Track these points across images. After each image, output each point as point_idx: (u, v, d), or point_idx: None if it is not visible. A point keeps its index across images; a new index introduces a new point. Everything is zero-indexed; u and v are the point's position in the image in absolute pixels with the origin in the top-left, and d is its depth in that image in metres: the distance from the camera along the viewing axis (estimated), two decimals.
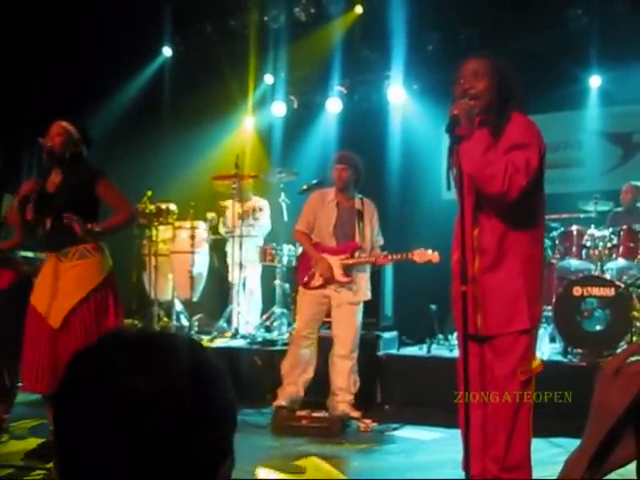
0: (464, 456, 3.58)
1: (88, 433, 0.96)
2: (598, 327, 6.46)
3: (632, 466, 1.14)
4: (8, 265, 5.60)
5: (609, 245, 6.80)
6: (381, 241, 6.33)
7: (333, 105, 10.06)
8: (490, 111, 3.61)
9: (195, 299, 8.59)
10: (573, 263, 7.09)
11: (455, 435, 3.91)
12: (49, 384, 4.50)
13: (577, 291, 6.52)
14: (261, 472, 4.46)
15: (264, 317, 8.08)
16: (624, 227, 6.88)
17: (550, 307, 6.70)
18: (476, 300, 3.67)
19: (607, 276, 6.66)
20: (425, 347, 7.09)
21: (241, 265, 7.88)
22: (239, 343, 7.58)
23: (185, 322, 8.45)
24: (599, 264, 6.78)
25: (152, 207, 8.39)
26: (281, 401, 6.05)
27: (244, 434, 5.69)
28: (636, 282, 6.75)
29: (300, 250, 6.96)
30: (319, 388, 6.17)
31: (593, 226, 6.99)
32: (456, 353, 4.44)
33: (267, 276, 8.26)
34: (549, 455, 4.80)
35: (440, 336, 7.34)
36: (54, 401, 1.03)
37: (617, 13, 8.50)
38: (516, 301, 3.67)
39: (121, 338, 1.04)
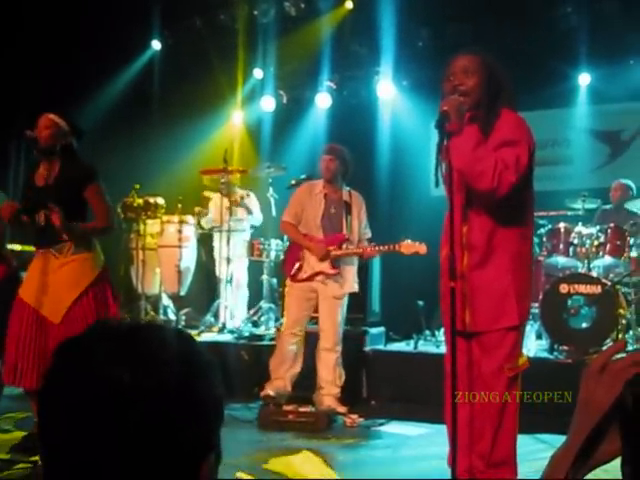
0: (450, 452, 3.60)
1: (72, 425, 0.95)
2: (584, 324, 6.49)
3: (617, 462, 1.14)
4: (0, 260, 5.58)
5: (596, 243, 6.82)
6: (369, 234, 6.33)
7: (322, 100, 10.06)
8: (480, 107, 3.61)
9: (182, 293, 8.58)
10: (560, 260, 7.11)
11: (441, 431, 3.93)
12: (36, 379, 4.48)
13: (564, 288, 6.54)
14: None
15: (251, 312, 8.07)
16: (611, 225, 6.90)
17: (537, 304, 6.72)
18: (465, 296, 3.68)
19: (594, 274, 6.69)
20: (412, 343, 7.10)
21: (228, 260, 7.87)
22: (226, 338, 7.57)
23: (172, 316, 8.44)
24: (586, 262, 6.80)
25: (140, 201, 8.38)
26: (269, 391, 6.05)
27: (231, 428, 5.69)
28: (622, 280, 6.78)
29: (288, 244, 6.95)
30: (306, 383, 6.17)
31: (580, 224, 7.01)
32: (443, 349, 4.45)
33: (255, 271, 8.26)
34: (534, 451, 4.82)
35: (427, 332, 7.36)
36: (39, 393, 1.03)
37: (606, 11, 8.52)
38: (505, 298, 3.68)
39: (107, 330, 1.04)
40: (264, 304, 7.87)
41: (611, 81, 8.74)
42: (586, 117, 9.19)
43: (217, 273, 8.24)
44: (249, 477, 4.33)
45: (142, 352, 0.99)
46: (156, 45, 10.52)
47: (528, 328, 6.64)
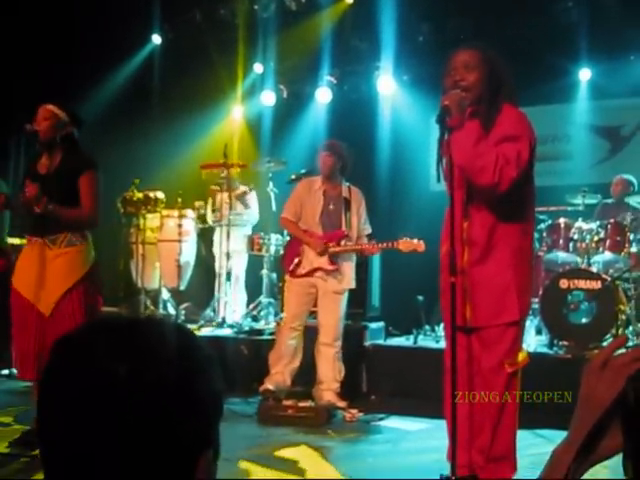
0: (450, 447, 3.60)
1: (70, 418, 0.96)
2: (584, 320, 6.49)
3: (618, 458, 1.14)
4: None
5: (596, 238, 6.82)
6: (368, 230, 6.32)
7: (323, 95, 10.04)
8: (481, 102, 3.61)
9: (182, 288, 8.58)
10: (560, 256, 7.11)
11: (441, 426, 3.93)
12: (38, 371, 4.48)
13: (564, 284, 6.54)
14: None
15: (251, 306, 8.07)
16: (611, 220, 6.90)
17: (537, 299, 6.72)
18: (465, 292, 3.68)
19: (594, 269, 6.69)
20: (412, 338, 7.10)
21: (228, 254, 7.86)
22: (226, 332, 7.57)
23: (172, 311, 8.44)
24: (586, 257, 6.81)
25: (140, 195, 8.38)
26: (268, 385, 6.05)
27: (230, 423, 5.69)
28: (622, 275, 6.78)
29: (287, 239, 6.95)
30: (305, 378, 6.18)
31: (581, 219, 7.01)
32: (442, 344, 4.45)
33: (254, 266, 8.26)
34: (534, 446, 4.83)
35: (427, 327, 7.37)
36: (38, 386, 1.03)
37: (607, 6, 8.51)
38: (505, 293, 3.68)
39: (107, 324, 1.04)
40: (264, 299, 7.87)
41: (611, 76, 8.74)
42: (586, 112, 9.19)
43: (217, 268, 8.23)
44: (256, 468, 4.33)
45: (141, 346, 0.99)
46: (156, 39, 10.50)
47: (528, 323, 6.64)
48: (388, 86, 9.75)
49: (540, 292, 6.73)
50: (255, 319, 7.89)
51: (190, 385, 1.00)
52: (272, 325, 7.38)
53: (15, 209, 4.85)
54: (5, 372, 7.02)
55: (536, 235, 7.16)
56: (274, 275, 7.98)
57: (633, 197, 7.60)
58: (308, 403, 5.86)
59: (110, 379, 0.95)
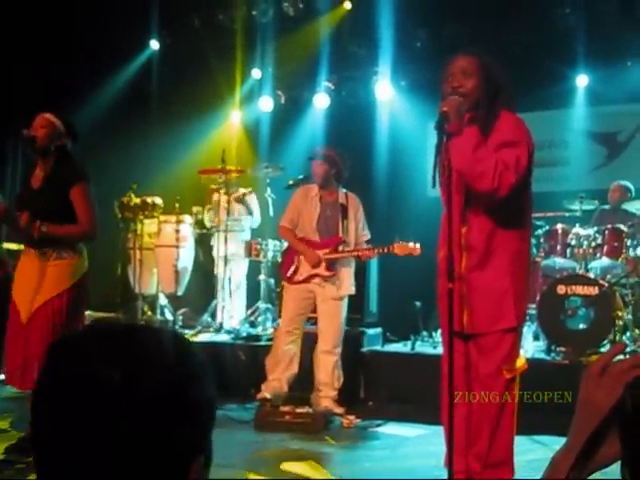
0: (447, 453, 3.59)
1: (63, 424, 0.96)
2: (582, 325, 6.49)
3: (616, 465, 1.14)
4: None
5: (593, 244, 6.83)
6: (367, 236, 6.31)
7: (320, 100, 10.05)
8: (479, 108, 3.61)
9: (180, 293, 8.57)
10: (558, 261, 7.11)
11: (438, 432, 3.93)
12: (22, 379, 4.48)
13: (561, 289, 6.54)
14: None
15: (249, 312, 8.06)
16: (609, 226, 6.91)
17: (534, 305, 6.73)
18: (463, 298, 3.67)
19: (591, 275, 6.69)
20: (409, 344, 7.09)
21: (226, 259, 7.86)
22: (223, 338, 7.56)
23: (169, 316, 8.43)
24: (583, 263, 6.81)
25: (137, 200, 8.37)
26: (265, 394, 6.04)
27: (227, 429, 5.68)
28: (620, 281, 6.79)
29: (285, 245, 6.95)
30: (303, 384, 6.17)
31: (578, 225, 7.02)
32: (440, 350, 4.45)
33: (252, 271, 8.25)
34: (531, 452, 4.82)
35: (424, 333, 7.36)
36: (33, 393, 1.03)
37: (605, 13, 8.53)
38: (503, 299, 3.68)
39: (102, 329, 1.04)
40: (261, 304, 7.86)
41: (609, 82, 8.75)
42: (583, 119, 9.20)
43: (215, 273, 8.23)
44: (260, 477, 4.31)
45: (136, 353, 0.99)
46: (154, 45, 10.50)
47: (525, 329, 6.64)
48: (386, 92, 9.76)
49: (538, 298, 6.73)
50: (253, 325, 7.88)
51: (184, 391, 1.00)
52: (270, 331, 7.37)
53: (10, 223, 4.84)
54: (2, 377, 7.00)
55: (534, 241, 7.17)
56: (272, 281, 7.98)
57: (630, 203, 7.61)
58: (305, 409, 5.85)
59: (104, 385, 0.95)
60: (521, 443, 4.26)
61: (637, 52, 8.55)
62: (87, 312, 5.13)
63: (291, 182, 6.86)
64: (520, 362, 3.79)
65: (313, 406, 5.97)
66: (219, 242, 8.00)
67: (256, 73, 10.35)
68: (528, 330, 6.71)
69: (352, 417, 5.92)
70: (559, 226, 7.06)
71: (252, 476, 4.39)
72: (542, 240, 7.16)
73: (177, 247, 8.34)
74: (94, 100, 9.72)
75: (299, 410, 5.80)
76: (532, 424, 4.90)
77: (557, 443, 1.20)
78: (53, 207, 4.60)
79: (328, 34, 9.65)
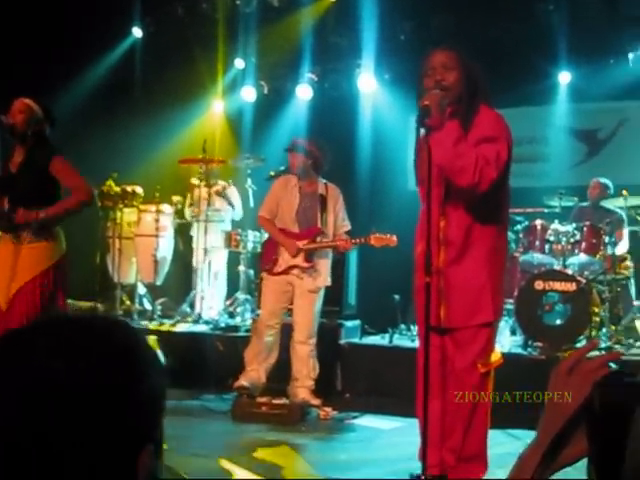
0: (421, 446, 3.61)
1: (7, 417, 0.95)
2: (558, 321, 6.53)
3: (581, 463, 1.15)
4: None
5: (572, 240, 6.87)
6: (347, 227, 6.30)
7: (303, 92, 10.01)
8: (460, 102, 3.62)
9: (159, 283, 8.53)
10: (536, 257, 7.14)
11: (414, 425, 3.95)
12: None
13: (539, 285, 6.58)
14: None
15: (227, 303, 8.05)
16: (587, 223, 6.96)
17: (512, 300, 6.76)
18: (440, 292, 3.69)
19: (569, 271, 6.73)
20: (387, 337, 7.11)
21: (206, 250, 7.84)
22: (202, 328, 7.54)
23: (148, 306, 8.40)
24: (561, 259, 6.85)
25: (117, 189, 8.33)
26: (243, 382, 6.03)
27: (204, 419, 5.70)
28: (597, 278, 6.84)
29: (265, 236, 6.93)
30: (281, 375, 6.16)
31: (557, 221, 7.05)
32: (418, 343, 4.46)
33: (231, 262, 8.24)
34: (505, 446, 4.85)
35: (402, 326, 7.38)
36: None
37: (588, 10, 8.55)
38: (481, 294, 3.70)
39: (48, 322, 1.03)
40: (240, 295, 7.85)
41: (591, 80, 8.78)
42: (565, 115, 9.23)
43: (194, 263, 8.21)
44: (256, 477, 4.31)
45: (82, 345, 0.99)
46: (137, 32, 10.41)
47: (503, 324, 6.67)
48: (369, 84, 9.74)
49: (516, 293, 6.76)
50: (231, 315, 7.87)
51: (132, 382, 1.00)
52: (248, 322, 7.36)
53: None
54: None
55: (512, 236, 7.22)
56: (251, 272, 7.97)
57: (609, 200, 7.66)
58: (282, 400, 5.85)
59: (49, 377, 0.95)
60: (495, 436, 4.28)
61: (620, 50, 8.58)
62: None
63: (272, 173, 6.83)
64: (495, 356, 3.81)
65: (290, 397, 5.98)
66: (199, 232, 7.98)
67: (239, 63, 10.28)
68: (505, 325, 6.75)
69: (328, 409, 5.93)
70: (538, 222, 7.09)
71: (226, 463, 4.39)
72: (521, 235, 7.19)
73: (157, 236, 8.30)
74: (75, 87, 9.64)
75: (276, 401, 5.80)
76: (507, 418, 4.93)
77: (531, 437, 1.21)
78: (32, 190, 4.59)
79: (312, 25, 9.61)
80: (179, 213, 8.66)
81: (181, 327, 7.58)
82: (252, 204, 7.66)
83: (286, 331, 6.19)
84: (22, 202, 4.59)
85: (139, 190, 8.50)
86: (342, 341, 6.96)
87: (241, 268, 7.86)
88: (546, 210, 7.44)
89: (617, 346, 6.53)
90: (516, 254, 7.20)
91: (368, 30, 9.12)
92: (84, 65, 9.82)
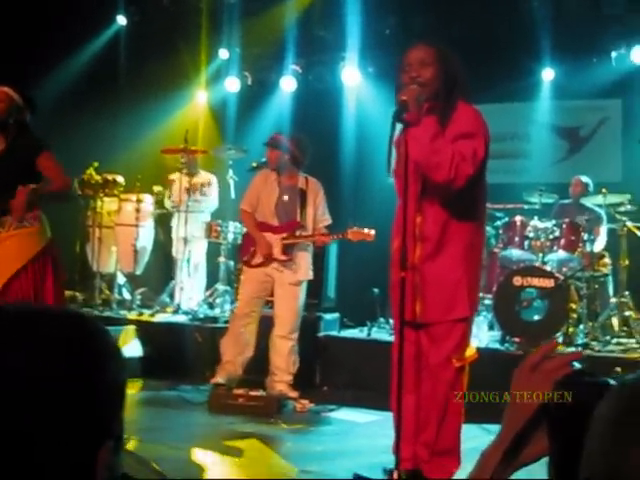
0: (395, 440, 3.62)
1: None
2: (536, 317, 6.56)
3: (542, 462, 1.15)
4: None
5: (551, 237, 6.90)
6: (328, 220, 6.30)
7: (287, 84, 9.99)
8: (438, 98, 3.62)
9: (138, 272, 8.52)
10: (515, 253, 7.17)
11: (391, 418, 3.95)
12: None
13: (517, 281, 6.61)
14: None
15: (207, 294, 8.04)
16: (566, 220, 6.99)
17: (491, 295, 6.79)
18: (416, 287, 3.69)
19: (547, 267, 6.76)
20: (366, 330, 7.13)
21: (186, 240, 7.82)
22: (181, 319, 7.53)
23: (127, 295, 8.37)
24: (540, 255, 6.88)
25: (98, 178, 8.29)
26: (219, 378, 6.03)
27: (180, 410, 5.69)
28: (575, 274, 6.87)
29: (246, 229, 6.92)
30: (259, 367, 6.16)
31: (536, 217, 7.08)
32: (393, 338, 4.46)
33: (212, 253, 8.22)
34: (478, 438, 4.87)
35: (381, 319, 7.39)
36: None
37: (572, 8, 8.58)
38: (457, 289, 3.71)
39: (4, 314, 1.02)
40: (220, 286, 7.84)
41: (574, 78, 8.81)
42: (548, 112, 9.26)
43: (174, 253, 8.18)
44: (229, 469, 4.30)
45: (40, 337, 0.98)
46: (121, 20, 10.34)
47: (481, 319, 6.71)
48: (353, 77, 9.73)
49: (494, 288, 6.79)
50: (211, 306, 7.86)
51: (90, 376, 0.99)
52: (227, 313, 7.35)
53: None
54: None
55: (492, 232, 7.24)
56: (231, 263, 7.95)
57: (588, 198, 7.70)
58: (259, 392, 5.85)
59: (5, 370, 0.94)
60: (469, 430, 4.29)
61: (603, 49, 8.61)
62: None
63: (254, 165, 6.82)
64: (470, 351, 3.83)
65: (267, 390, 5.98)
66: (179, 223, 7.96)
67: (223, 53, 10.23)
68: (483, 320, 6.78)
69: (305, 401, 5.93)
70: (518, 218, 7.12)
71: (198, 454, 4.38)
72: (501, 231, 7.22)
73: (137, 226, 8.27)
74: (58, 74, 9.56)
75: (253, 393, 5.80)
76: (482, 413, 4.94)
77: None
78: (12, 179, 4.56)
79: (297, 17, 9.58)
80: (160, 203, 8.63)
81: (160, 317, 7.57)
82: (233, 195, 7.64)
83: (264, 324, 6.18)
84: (1, 190, 4.56)
85: (120, 179, 8.47)
86: (321, 334, 6.97)
87: (221, 259, 7.85)
88: (526, 206, 7.46)
89: (594, 343, 6.57)
90: (495, 250, 7.23)
91: (353, 23, 9.10)
92: (68, 52, 9.74)
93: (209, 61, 10.30)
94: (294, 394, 5.98)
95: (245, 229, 6.80)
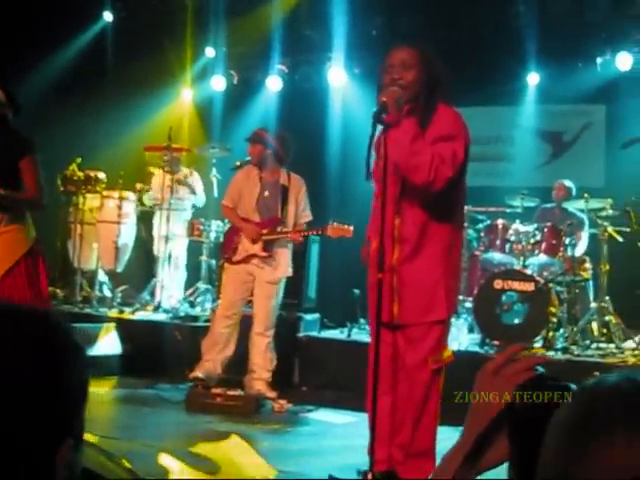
0: (370, 441, 3.62)
1: None
2: (516, 320, 6.58)
3: (503, 467, 1.15)
4: None
5: (532, 241, 6.92)
6: (308, 217, 6.30)
7: (273, 83, 9.98)
8: (418, 100, 3.62)
9: (119, 270, 8.47)
10: (496, 256, 7.18)
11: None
12: None
13: (498, 284, 6.62)
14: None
15: (188, 292, 8.01)
16: (548, 224, 7.01)
17: (471, 298, 6.80)
18: (393, 289, 3.69)
19: (528, 271, 6.78)
20: (346, 331, 7.12)
21: (167, 238, 7.79)
22: (161, 317, 7.51)
23: (108, 293, 8.33)
24: (522, 259, 6.90)
25: (80, 174, 8.25)
26: (198, 373, 6.01)
27: (158, 409, 5.67)
28: (556, 278, 6.89)
29: (228, 226, 6.90)
30: (238, 367, 6.14)
31: (518, 221, 7.10)
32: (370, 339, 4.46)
33: (193, 251, 8.19)
34: (454, 441, 4.87)
35: (362, 321, 7.37)
36: None
37: (558, 13, 8.60)
38: (435, 291, 3.71)
39: None
40: (201, 285, 7.82)
41: (559, 82, 8.83)
42: (532, 116, 9.28)
43: (155, 251, 8.15)
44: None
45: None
46: (108, 17, 10.29)
47: (461, 321, 6.72)
48: (339, 78, 9.72)
49: (475, 291, 6.80)
50: (192, 305, 7.83)
51: (50, 374, 0.98)
52: (208, 312, 7.33)
53: None
54: None
55: (474, 235, 7.25)
56: (213, 261, 7.93)
57: (570, 202, 7.73)
58: (237, 392, 5.83)
59: None
60: (445, 432, 4.29)
61: (588, 54, 8.64)
62: None
63: (238, 163, 6.80)
64: (446, 354, 3.83)
65: (246, 389, 5.96)
66: (161, 220, 7.92)
67: (209, 52, 10.21)
68: (463, 322, 6.79)
69: (283, 402, 5.92)
70: (500, 221, 7.13)
71: (171, 454, 4.35)
72: (482, 234, 7.23)
73: (119, 223, 8.24)
74: (43, 70, 9.51)
75: (231, 393, 5.78)
76: (457, 415, 4.95)
77: None
78: None
79: (283, 17, 9.57)
80: (142, 200, 8.59)
81: (140, 315, 7.54)
82: (216, 194, 7.63)
83: (244, 323, 6.17)
84: None
85: (102, 176, 8.43)
86: (301, 334, 6.96)
87: (203, 258, 7.83)
88: (508, 210, 7.49)
89: (573, 347, 6.59)
90: (477, 253, 7.24)
91: (340, 23, 9.09)
92: (53, 48, 9.68)
93: (195, 59, 10.27)
94: (272, 394, 5.97)
95: (228, 225, 6.79)
